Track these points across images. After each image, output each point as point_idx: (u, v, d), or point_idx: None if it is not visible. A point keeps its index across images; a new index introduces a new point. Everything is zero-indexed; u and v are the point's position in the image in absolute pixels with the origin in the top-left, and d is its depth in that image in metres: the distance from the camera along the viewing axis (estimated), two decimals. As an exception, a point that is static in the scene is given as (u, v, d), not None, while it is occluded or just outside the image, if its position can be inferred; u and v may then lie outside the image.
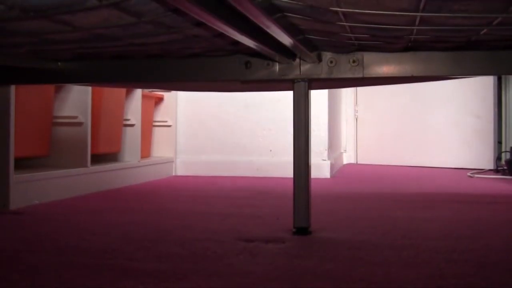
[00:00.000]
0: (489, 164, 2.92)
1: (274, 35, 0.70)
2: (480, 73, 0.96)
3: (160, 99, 2.49)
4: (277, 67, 1.01)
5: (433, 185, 2.19)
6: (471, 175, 2.55)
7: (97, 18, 0.64)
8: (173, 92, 2.52)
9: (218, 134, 2.60)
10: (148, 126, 2.38)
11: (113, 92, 1.94)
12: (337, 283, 0.69)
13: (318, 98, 2.37)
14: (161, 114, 2.54)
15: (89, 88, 1.71)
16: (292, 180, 1.02)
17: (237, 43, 0.77)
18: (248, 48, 0.83)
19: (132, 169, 2.04)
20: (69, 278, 0.71)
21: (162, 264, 0.78)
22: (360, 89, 3.48)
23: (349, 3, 0.60)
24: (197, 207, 1.44)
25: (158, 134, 2.55)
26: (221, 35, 0.77)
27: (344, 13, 0.64)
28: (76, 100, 1.69)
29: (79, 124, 1.68)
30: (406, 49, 0.95)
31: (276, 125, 2.49)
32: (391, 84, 1.26)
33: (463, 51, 0.95)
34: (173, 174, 2.58)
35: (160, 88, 1.24)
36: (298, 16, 0.68)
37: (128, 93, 2.11)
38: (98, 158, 1.95)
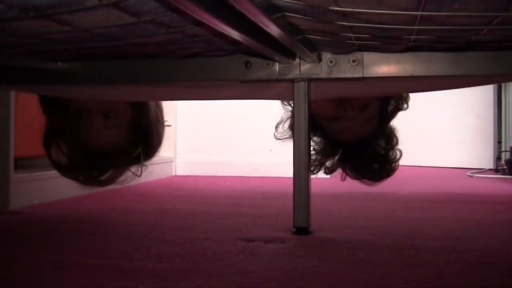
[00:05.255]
0: (489, 164, 2.92)
1: (273, 34, 0.70)
2: (480, 73, 0.96)
3: (160, 99, 2.49)
4: (277, 67, 1.01)
5: (433, 185, 2.19)
6: (471, 174, 2.55)
7: (97, 17, 0.63)
8: (173, 92, 2.51)
9: (218, 134, 2.60)
10: (148, 126, 2.37)
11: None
12: (337, 283, 0.69)
13: (318, 98, 2.37)
14: (161, 114, 2.54)
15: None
16: (292, 180, 1.02)
17: (236, 42, 0.77)
18: (248, 48, 0.83)
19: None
20: (69, 278, 0.71)
21: (162, 264, 0.78)
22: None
23: (349, 2, 0.59)
24: (197, 207, 1.44)
25: (158, 134, 2.54)
26: (221, 35, 0.77)
27: (344, 12, 0.64)
28: (76, 100, 1.69)
29: (79, 124, 1.68)
30: (406, 50, 0.95)
31: (276, 125, 2.49)
32: (390, 93, 1.27)
33: (464, 52, 0.95)
34: (173, 174, 2.57)
35: (154, 100, 1.24)
36: (298, 15, 0.68)
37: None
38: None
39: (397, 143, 1.34)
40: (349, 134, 1.27)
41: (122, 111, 1.21)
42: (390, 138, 1.33)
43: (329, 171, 1.36)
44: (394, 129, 1.35)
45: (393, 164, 1.33)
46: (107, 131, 1.19)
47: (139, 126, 1.24)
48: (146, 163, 1.27)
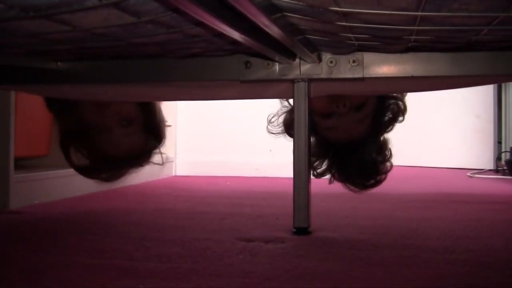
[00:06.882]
0: (489, 164, 2.91)
1: (273, 34, 0.70)
2: (480, 73, 0.96)
3: (160, 99, 2.49)
4: (277, 67, 1.01)
5: (433, 185, 2.19)
6: (471, 175, 2.55)
7: (97, 17, 0.64)
8: (173, 92, 2.52)
9: (218, 134, 2.60)
10: (148, 126, 2.37)
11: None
12: (337, 283, 0.69)
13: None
14: (161, 114, 2.54)
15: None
16: (292, 180, 1.02)
17: (236, 42, 0.77)
18: (248, 48, 0.83)
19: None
20: (69, 278, 0.71)
21: (162, 264, 0.78)
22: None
23: (349, 2, 0.60)
24: (197, 207, 1.44)
25: (158, 134, 2.54)
26: (221, 35, 0.77)
27: (344, 13, 0.64)
28: (76, 100, 1.69)
29: (79, 124, 1.68)
30: (406, 50, 0.95)
31: (276, 125, 2.49)
32: (390, 92, 1.26)
33: (464, 52, 0.95)
34: (173, 174, 2.57)
35: (154, 100, 1.24)
36: (298, 16, 0.68)
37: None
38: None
39: (390, 157, 1.32)
40: (341, 132, 1.25)
41: (136, 115, 1.24)
42: (382, 150, 1.31)
43: (318, 174, 1.34)
44: (388, 141, 1.33)
45: (380, 176, 1.32)
46: (127, 138, 1.24)
47: (151, 126, 1.29)
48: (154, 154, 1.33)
